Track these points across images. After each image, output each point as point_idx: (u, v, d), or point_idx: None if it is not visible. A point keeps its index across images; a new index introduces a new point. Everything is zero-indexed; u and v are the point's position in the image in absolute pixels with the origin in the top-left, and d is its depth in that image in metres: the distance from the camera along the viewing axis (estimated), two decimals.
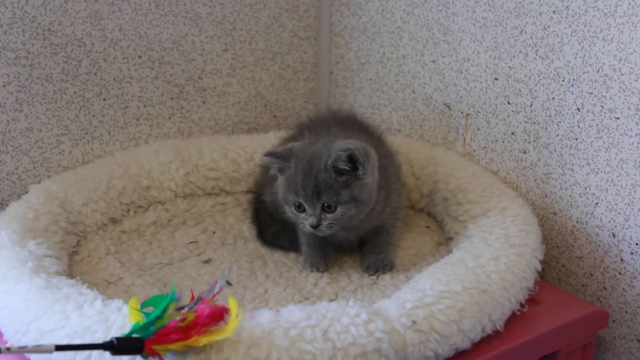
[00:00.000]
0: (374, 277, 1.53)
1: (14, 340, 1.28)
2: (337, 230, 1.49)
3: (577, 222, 1.58)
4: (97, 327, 1.20)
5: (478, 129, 1.74)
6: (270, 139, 1.86)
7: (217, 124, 1.96)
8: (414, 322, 1.24)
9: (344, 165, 1.44)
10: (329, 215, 1.46)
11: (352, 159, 1.43)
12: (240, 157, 1.83)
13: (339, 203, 1.45)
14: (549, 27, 1.56)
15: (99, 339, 1.18)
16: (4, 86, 1.65)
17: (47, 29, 1.67)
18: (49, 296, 1.29)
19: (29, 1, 1.63)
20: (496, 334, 1.33)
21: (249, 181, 1.83)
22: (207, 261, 1.60)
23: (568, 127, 1.56)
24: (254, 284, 1.52)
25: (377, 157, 1.51)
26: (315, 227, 1.47)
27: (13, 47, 1.64)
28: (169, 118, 1.89)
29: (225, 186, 1.82)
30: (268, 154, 1.51)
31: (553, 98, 1.57)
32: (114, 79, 1.78)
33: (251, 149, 1.85)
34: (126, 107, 1.82)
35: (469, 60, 1.73)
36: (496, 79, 1.68)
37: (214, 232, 1.71)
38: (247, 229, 1.72)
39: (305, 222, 1.47)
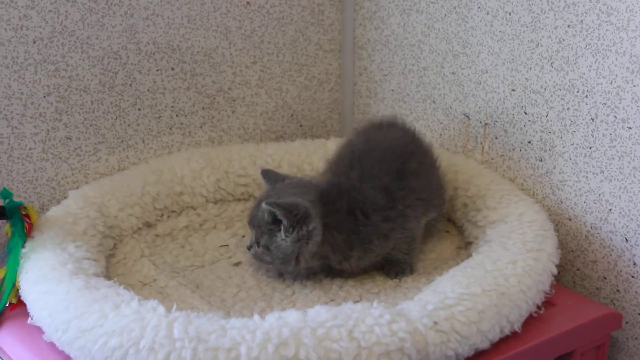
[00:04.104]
0: (397, 280, 1.53)
1: (54, 337, 1.29)
2: (268, 264, 1.51)
3: (591, 227, 1.58)
4: (134, 326, 1.21)
5: (496, 138, 1.74)
6: (297, 147, 1.87)
7: (246, 132, 1.97)
8: (436, 322, 1.24)
9: (267, 218, 1.45)
10: (256, 247, 1.49)
11: (275, 218, 1.44)
12: (268, 164, 1.83)
13: (259, 244, 1.48)
14: (564, 40, 1.56)
15: (136, 337, 1.19)
16: (44, 97, 1.66)
17: (85, 43, 1.68)
18: (88, 296, 1.30)
19: (67, 16, 1.65)
20: (514, 334, 1.33)
21: None
22: (237, 264, 1.61)
23: (582, 137, 1.56)
24: (282, 285, 1.52)
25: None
26: (248, 248, 1.52)
27: (53, 60, 1.65)
28: (201, 127, 1.90)
29: (254, 192, 1.82)
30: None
31: (568, 108, 1.57)
32: (148, 90, 1.80)
33: (278, 157, 1.85)
34: (160, 116, 1.83)
35: (487, 72, 1.73)
36: (513, 90, 1.68)
37: (243, 236, 1.71)
38: None
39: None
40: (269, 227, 1.46)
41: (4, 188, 1.48)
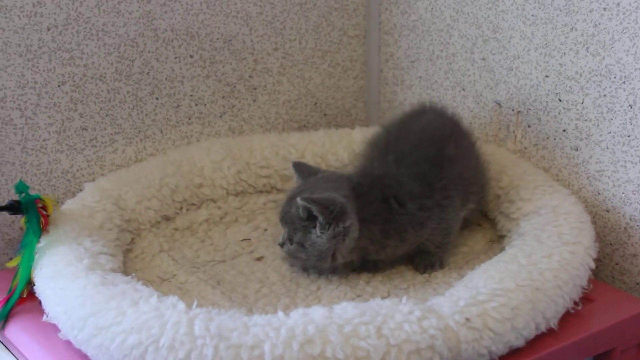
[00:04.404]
0: (426, 275, 1.53)
1: (70, 335, 1.30)
2: (303, 261, 1.52)
3: (630, 219, 1.57)
4: (153, 323, 1.21)
5: (529, 126, 1.73)
6: (321, 137, 1.87)
7: (268, 122, 1.97)
8: (468, 319, 1.24)
9: (301, 215, 1.45)
10: (289, 244, 1.49)
11: (310, 214, 1.44)
12: (291, 155, 1.83)
13: (292, 241, 1.48)
14: (599, 24, 1.55)
15: (155, 334, 1.20)
16: (59, 86, 1.67)
17: (101, 30, 1.69)
18: (105, 292, 1.30)
19: (83, 3, 1.65)
20: (550, 332, 1.33)
21: None
22: (259, 259, 1.61)
23: (620, 124, 1.55)
24: (306, 281, 1.52)
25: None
26: (280, 245, 1.52)
27: (68, 48, 1.66)
28: (221, 116, 1.90)
29: (277, 184, 1.83)
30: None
31: (604, 95, 1.57)
32: (166, 78, 1.80)
33: (302, 147, 1.85)
34: (178, 106, 1.83)
35: (519, 57, 1.72)
36: (547, 76, 1.67)
37: (265, 230, 1.72)
38: None
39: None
40: (303, 223, 1.46)
41: (20, 181, 1.49)
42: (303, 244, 1.47)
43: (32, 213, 1.48)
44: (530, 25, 1.68)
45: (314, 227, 1.45)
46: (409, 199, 1.49)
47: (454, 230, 1.56)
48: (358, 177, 1.52)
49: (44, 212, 1.50)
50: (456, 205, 1.54)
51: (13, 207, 1.48)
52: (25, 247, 1.48)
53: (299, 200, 1.44)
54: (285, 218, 1.50)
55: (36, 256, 1.45)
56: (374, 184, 1.49)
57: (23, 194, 1.48)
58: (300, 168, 1.58)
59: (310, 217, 1.45)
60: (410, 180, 1.50)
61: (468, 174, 1.58)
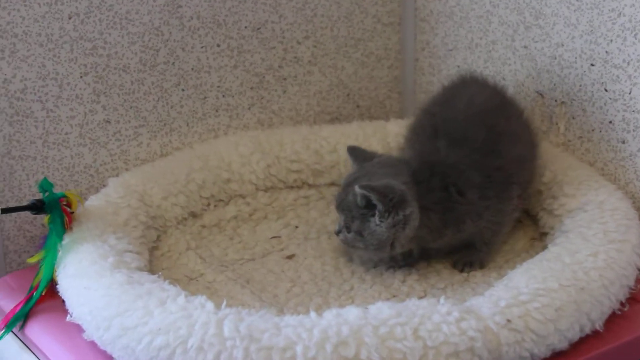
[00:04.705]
0: (464, 274, 1.53)
1: (95, 336, 1.31)
2: (359, 250, 1.52)
3: None
4: (181, 324, 1.22)
5: (573, 118, 1.72)
6: (354, 130, 1.87)
7: (298, 114, 1.97)
8: (509, 320, 1.24)
9: (360, 202, 1.46)
10: (346, 233, 1.49)
11: (369, 202, 1.44)
12: (323, 149, 1.83)
13: (349, 230, 1.48)
14: None
15: (183, 335, 1.21)
16: (81, 77, 1.68)
17: (124, 18, 1.70)
18: (131, 292, 1.31)
19: None
20: (595, 334, 1.32)
21: (332, 173, 1.84)
22: (290, 257, 1.62)
23: None
24: (339, 280, 1.53)
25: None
26: (336, 233, 1.52)
27: (90, 37, 1.67)
28: (249, 108, 1.90)
29: (308, 179, 1.83)
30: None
31: None
32: (192, 69, 1.81)
33: (334, 140, 1.85)
34: (205, 97, 1.84)
35: (562, 45, 1.71)
36: (592, 65, 1.66)
37: (296, 227, 1.72)
38: (331, 223, 1.72)
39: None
40: (361, 211, 1.46)
41: (45, 179, 1.49)
42: (361, 233, 1.47)
43: (56, 213, 1.49)
44: (574, 10, 1.67)
45: (373, 215, 1.45)
46: (469, 188, 1.49)
47: (507, 225, 1.57)
48: (417, 163, 1.52)
49: (68, 209, 1.51)
50: (512, 195, 1.54)
51: (36, 207, 1.49)
52: (48, 250, 1.48)
53: (356, 188, 1.44)
54: (342, 205, 1.50)
55: (59, 254, 1.46)
56: (433, 171, 1.49)
57: (47, 193, 1.48)
58: (355, 153, 1.58)
59: (369, 205, 1.45)
60: (468, 167, 1.50)
61: (523, 154, 1.58)
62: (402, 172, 1.49)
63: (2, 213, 1.52)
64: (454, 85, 1.68)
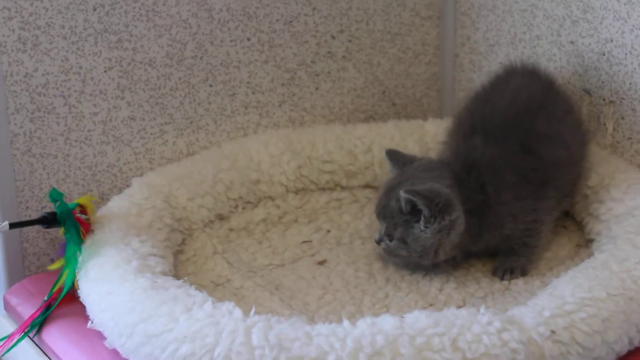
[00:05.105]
0: (505, 283, 1.53)
1: (117, 344, 1.32)
2: (403, 258, 1.53)
3: None
4: (208, 331, 1.23)
5: (622, 118, 1.72)
6: (390, 129, 1.87)
7: (332, 112, 1.97)
8: (553, 331, 1.24)
9: (404, 208, 1.47)
10: (387, 241, 1.51)
11: (414, 207, 1.46)
12: (357, 149, 1.83)
13: (391, 237, 1.50)
14: None
15: (210, 343, 1.21)
16: (105, 71, 1.69)
17: (151, 10, 1.71)
18: (156, 297, 1.32)
19: None
20: None
21: (367, 175, 1.84)
22: (321, 262, 1.62)
23: None
24: (373, 287, 1.53)
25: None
26: (377, 242, 1.54)
27: (115, 30, 1.68)
28: (280, 106, 1.91)
29: (341, 180, 1.83)
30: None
31: None
32: (221, 64, 1.81)
33: (369, 140, 1.85)
34: (234, 94, 1.85)
35: (612, 41, 1.71)
36: None
37: (328, 231, 1.72)
38: (365, 227, 1.72)
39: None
40: (404, 217, 1.48)
41: (53, 189, 1.50)
42: (405, 240, 1.48)
43: (70, 224, 1.50)
44: (625, 3, 1.67)
45: (417, 221, 1.46)
46: (505, 188, 1.50)
47: (546, 226, 1.57)
48: (459, 165, 1.53)
49: (83, 217, 1.52)
50: (550, 195, 1.54)
51: (47, 220, 1.51)
52: (69, 258, 1.49)
53: (401, 193, 1.45)
54: (384, 212, 1.52)
55: (80, 258, 1.47)
56: (470, 171, 1.51)
57: (58, 203, 1.49)
58: (395, 156, 1.60)
59: (413, 211, 1.46)
60: (503, 165, 1.51)
61: (564, 156, 1.58)
62: (445, 175, 1.51)
63: (10, 228, 1.52)
64: (501, 76, 1.69)
